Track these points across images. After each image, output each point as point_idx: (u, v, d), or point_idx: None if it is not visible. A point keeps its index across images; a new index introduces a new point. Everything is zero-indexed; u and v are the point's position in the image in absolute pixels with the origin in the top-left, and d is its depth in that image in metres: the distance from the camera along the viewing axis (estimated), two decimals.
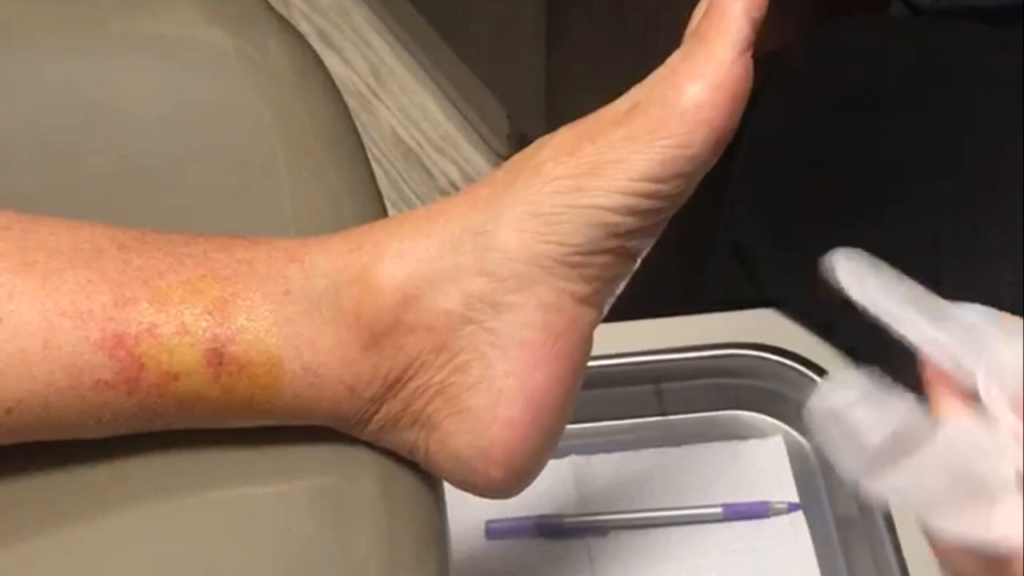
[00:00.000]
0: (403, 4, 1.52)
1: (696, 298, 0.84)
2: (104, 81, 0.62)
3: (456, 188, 1.48)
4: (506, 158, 1.49)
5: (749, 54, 0.52)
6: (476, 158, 1.49)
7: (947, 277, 0.70)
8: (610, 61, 1.35)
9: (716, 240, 0.82)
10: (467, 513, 0.69)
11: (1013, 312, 0.46)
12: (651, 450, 0.76)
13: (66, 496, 0.51)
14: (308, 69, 0.65)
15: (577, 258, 0.51)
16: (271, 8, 0.67)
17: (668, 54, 0.51)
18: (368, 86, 1.56)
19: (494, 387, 0.51)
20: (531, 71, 1.33)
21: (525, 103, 1.38)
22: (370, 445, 0.53)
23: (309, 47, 0.67)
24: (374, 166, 0.65)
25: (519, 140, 1.46)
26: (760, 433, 0.76)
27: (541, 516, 0.73)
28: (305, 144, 0.62)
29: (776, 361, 0.76)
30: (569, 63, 1.32)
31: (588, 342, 0.53)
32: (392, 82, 1.56)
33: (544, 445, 0.52)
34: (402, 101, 1.55)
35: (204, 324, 0.49)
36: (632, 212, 0.51)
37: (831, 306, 0.76)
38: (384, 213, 0.61)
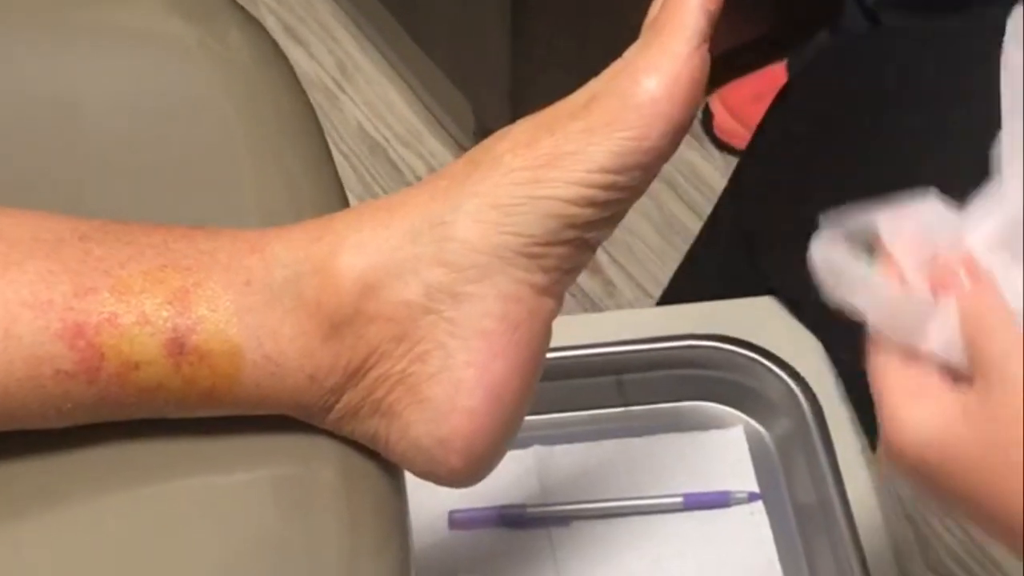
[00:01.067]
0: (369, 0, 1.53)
1: (693, 286, 0.85)
2: (66, 72, 0.62)
3: None
4: None
5: (705, 47, 0.52)
6: (442, 152, 1.50)
7: None
8: (575, 57, 1.35)
9: (717, 229, 0.83)
10: (430, 503, 0.70)
11: None
12: (613, 441, 0.76)
13: (26, 486, 0.51)
14: (270, 61, 0.65)
15: (536, 249, 0.52)
16: (234, 1, 0.67)
17: (631, 44, 0.52)
18: (334, 80, 1.57)
19: (454, 377, 0.51)
20: (496, 67, 1.33)
21: (490, 98, 1.38)
22: (331, 434, 0.53)
23: (271, 39, 0.67)
24: (340, 160, 0.65)
25: (484, 135, 1.46)
26: (720, 423, 0.77)
27: (504, 506, 0.73)
28: (267, 135, 0.62)
29: (735, 352, 0.76)
30: (534, 58, 1.32)
31: (547, 332, 0.53)
32: (358, 77, 1.56)
33: (504, 434, 0.53)
34: (368, 96, 1.55)
35: (165, 314, 0.50)
36: (590, 203, 0.52)
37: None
38: (345, 204, 0.62)
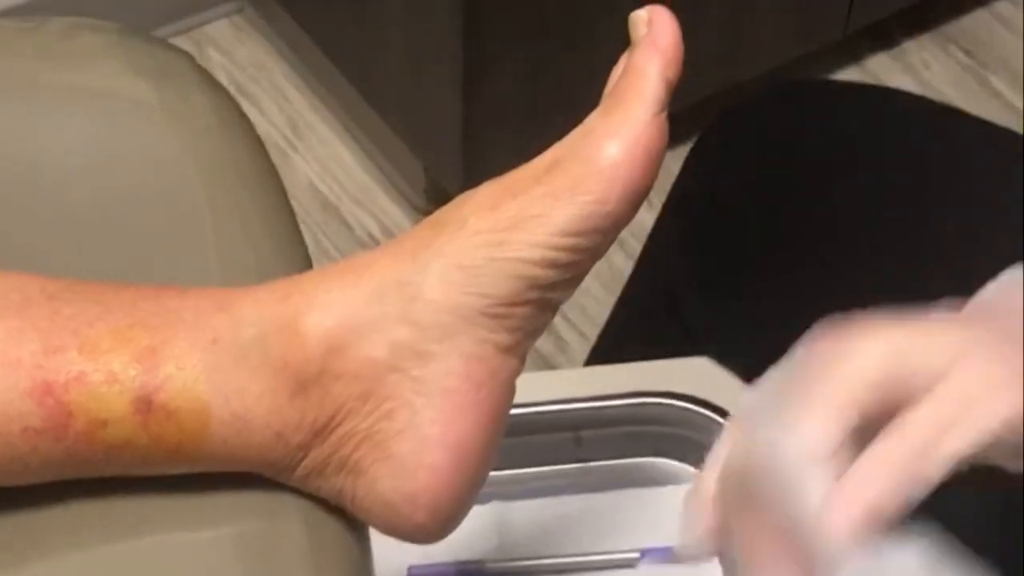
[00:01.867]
0: (321, 59, 1.54)
1: (622, 347, 0.86)
2: (29, 133, 0.63)
3: (375, 240, 1.49)
4: (424, 211, 1.51)
5: (664, 115, 0.54)
6: (394, 211, 1.51)
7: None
8: (526, 117, 1.37)
9: (639, 288, 0.84)
10: (389, 558, 0.70)
11: None
12: (571, 496, 0.77)
13: None
14: (232, 122, 0.66)
15: (499, 309, 0.53)
16: (194, 62, 0.68)
17: (584, 107, 0.53)
18: (286, 138, 1.58)
19: (420, 434, 0.52)
20: (448, 126, 1.35)
21: (442, 157, 1.40)
22: (296, 491, 0.54)
23: (232, 100, 0.68)
24: None
25: (436, 193, 1.48)
26: (676, 479, 0.78)
27: (463, 562, 0.74)
28: (229, 195, 0.63)
29: (690, 409, 0.77)
30: (486, 119, 1.34)
31: (511, 390, 0.54)
32: (310, 135, 1.57)
33: (468, 490, 0.54)
34: (320, 154, 1.56)
35: (133, 372, 0.50)
36: (552, 265, 0.53)
37: (763, 357, 0.78)
38: (309, 263, 0.63)
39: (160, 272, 0.59)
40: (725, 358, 0.80)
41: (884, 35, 1.65)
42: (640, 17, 0.54)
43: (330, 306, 0.52)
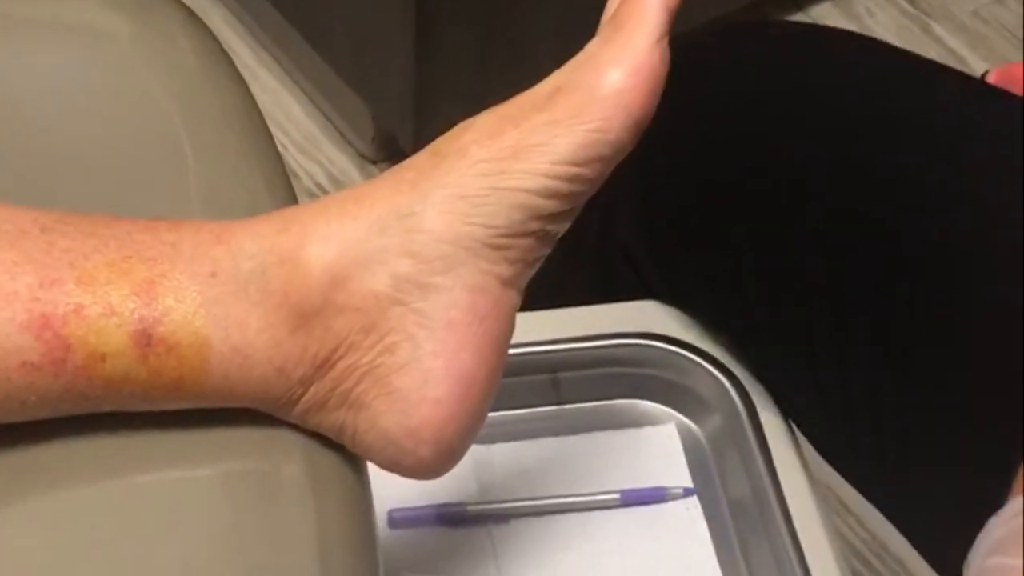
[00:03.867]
0: (263, 4, 1.51)
1: (571, 293, 0.85)
2: (5, 68, 0.61)
3: (322, 189, 1.48)
4: (371, 160, 1.50)
5: (666, 42, 0.53)
6: (341, 159, 1.49)
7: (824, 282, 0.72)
8: (478, 64, 1.36)
9: (589, 240, 0.83)
10: None
11: None
12: (549, 439, 0.77)
13: None
14: (213, 59, 0.65)
15: (501, 240, 0.52)
16: None
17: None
18: None
19: (422, 367, 0.52)
20: (398, 73, 1.33)
21: (391, 105, 1.38)
22: (295, 428, 0.53)
23: (213, 37, 0.66)
24: None
25: (385, 142, 1.46)
26: (654, 420, 0.78)
27: (443, 505, 0.73)
28: (211, 132, 0.62)
29: (668, 350, 0.77)
30: (437, 64, 1.32)
31: (511, 323, 0.54)
32: (253, 83, 1.54)
33: (471, 424, 0.53)
34: (264, 102, 1.52)
35: (131, 305, 0.49)
36: (554, 195, 0.52)
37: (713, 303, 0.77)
38: (294, 199, 0.61)
39: (139, 210, 0.58)
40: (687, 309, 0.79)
41: None
42: None
43: (330, 238, 0.51)
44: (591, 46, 0.54)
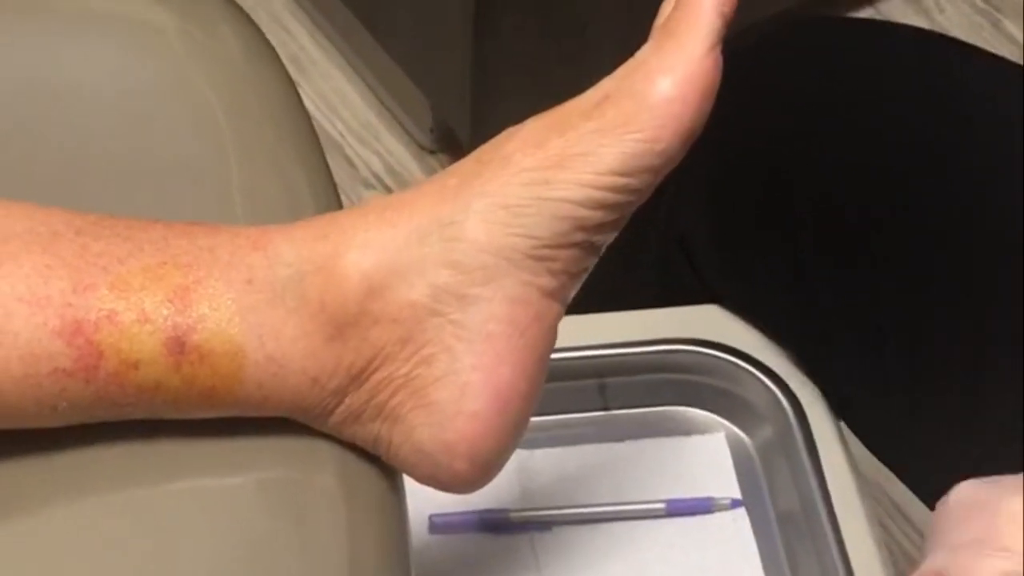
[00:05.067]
0: None
1: (633, 290, 0.84)
2: (49, 59, 0.61)
3: (379, 179, 1.47)
4: (429, 150, 1.49)
5: (719, 49, 0.51)
6: (398, 150, 1.48)
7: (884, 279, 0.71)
8: (537, 57, 1.34)
9: (652, 231, 0.82)
10: (410, 507, 0.68)
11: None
12: (594, 445, 0.75)
13: (19, 486, 0.50)
14: (258, 53, 0.64)
15: (544, 251, 0.51)
16: None
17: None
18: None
19: (460, 380, 0.50)
20: (457, 63, 1.32)
21: (450, 95, 1.37)
22: (331, 438, 0.52)
23: (258, 31, 0.66)
24: None
25: (443, 133, 1.45)
26: (702, 429, 0.76)
27: (485, 510, 0.72)
28: (254, 128, 0.61)
29: (718, 357, 0.76)
30: (496, 56, 1.31)
31: (552, 336, 0.53)
32: (312, 70, 1.54)
33: (509, 439, 0.52)
34: (323, 89, 1.53)
35: (165, 312, 0.48)
36: (599, 206, 0.51)
37: (773, 305, 0.76)
38: (337, 200, 0.60)
39: (179, 205, 0.57)
40: (741, 308, 0.78)
41: None
42: None
43: (369, 246, 0.50)
44: (642, 53, 0.52)
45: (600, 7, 1.31)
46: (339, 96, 1.52)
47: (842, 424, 0.75)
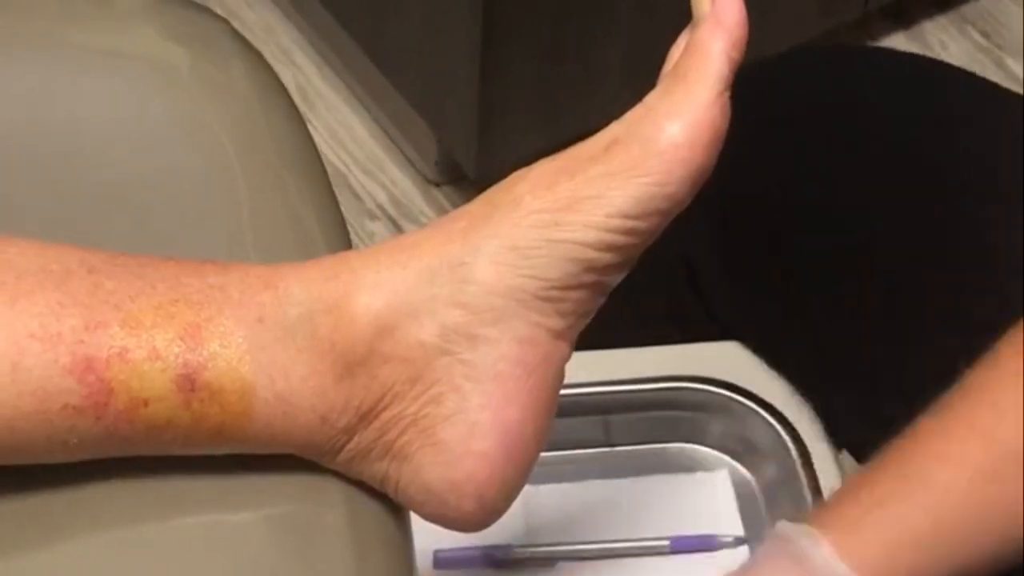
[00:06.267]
0: (331, 23, 1.51)
1: (638, 316, 0.85)
2: (63, 97, 0.61)
3: (384, 211, 1.47)
4: (434, 183, 1.49)
5: (727, 95, 0.52)
6: (404, 182, 1.49)
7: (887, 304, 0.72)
8: (542, 92, 1.35)
9: (660, 263, 0.83)
10: (415, 542, 0.69)
11: None
12: (599, 481, 0.76)
13: (30, 521, 0.50)
14: (269, 91, 0.65)
15: (553, 292, 0.51)
16: (232, 28, 0.66)
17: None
18: None
19: (468, 420, 0.51)
20: (463, 97, 1.33)
21: (455, 129, 1.38)
22: (338, 475, 0.52)
23: (270, 69, 0.66)
24: None
25: (448, 166, 1.46)
26: (706, 466, 0.77)
27: (489, 546, 0.73)
28: (265, 166, 0.61)
29: (722, 395, 0.76)
30: (502, 91, 1.32)
31: (560, 376, 0.53)
32: (319, 102, 1.55)
33: (516, 478, 0.52)
34: (329, 122, 1.54)
35: (176, 349, 0.49)
36: (608, 248, 0.51)
37: (775, 332, 0.77)
38: (347, 238, 0.61)
39: (190, 240, 0.58)
40: (748, 339, 0.78)
41: (902, 14, 1.63)
42: None
43: (380, 286, 0.50)
44: (651, 98, 0.53)
45: (604, 45, 1.32)
46: (345, 128, 1.53)
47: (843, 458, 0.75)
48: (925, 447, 0.62)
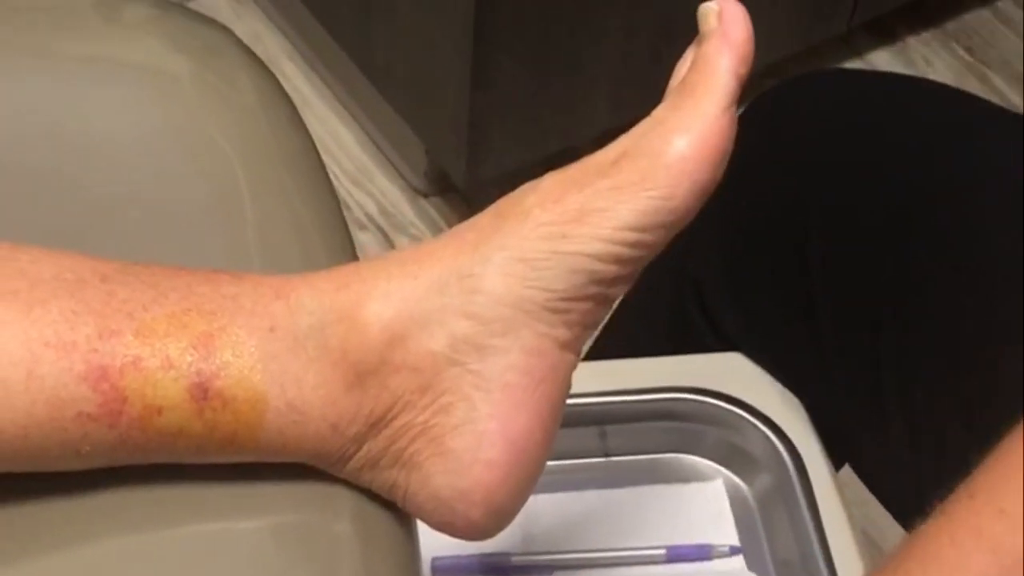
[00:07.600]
0: (320, 33, 1.52)
1: (645, 333, 0.85)
2: (71, 108, 0.61)
3: (373, 220, 1.48)
4: (423, 193, 1.50)
5: (734, 109, 0.53)
6: (393, 192, 1.50)
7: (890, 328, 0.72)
8: (531, 103, 1.36)
9: (665, 278, 0.83)
10: None
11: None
12: (595, 491, 0.76)
13: (39, 529, 0.50)
14: (273, 101, 0.65)
15: (560, 303, 0.52)
16: (236, 38, 0.66)
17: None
18: None
19: (477, 429, 0.51)
20: (452, 108, 1.33)
21: (444, 139, 1.38)
22: (347, 483, 0.53)
23: (274, 78, 0.66)
24: None
25: (437, 176, 1.47)
26: (701, 476, 0.77)
27: (486, 554, 0.73)
28: (271, 174, 0.62)
29: (717, 406, 0.77)
30: (491, 102, 1.33)
31: (567, 386, 0.54)
32: (308, 112, 1.55)
33: (523, 487, 0.53)
34: (317, 132, 1.54)
35: (189, 358, 0.49)
36: (615, 260, 0.52)
37: (782, 350, 0.78)
38: (352, 248, 0.61)
39: (195, 249, 0.58)
40: (752, 352, 0.79)
41: (886, 31, 1.64)
42: (710, 9, 0.53)
43: (390, 296, 0.51)
44: (658, 112, 0.53)
45: (594, 56, 1.33)
46: (334, 138, 1.53)
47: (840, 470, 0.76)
48: (935, 551, 0.58)
